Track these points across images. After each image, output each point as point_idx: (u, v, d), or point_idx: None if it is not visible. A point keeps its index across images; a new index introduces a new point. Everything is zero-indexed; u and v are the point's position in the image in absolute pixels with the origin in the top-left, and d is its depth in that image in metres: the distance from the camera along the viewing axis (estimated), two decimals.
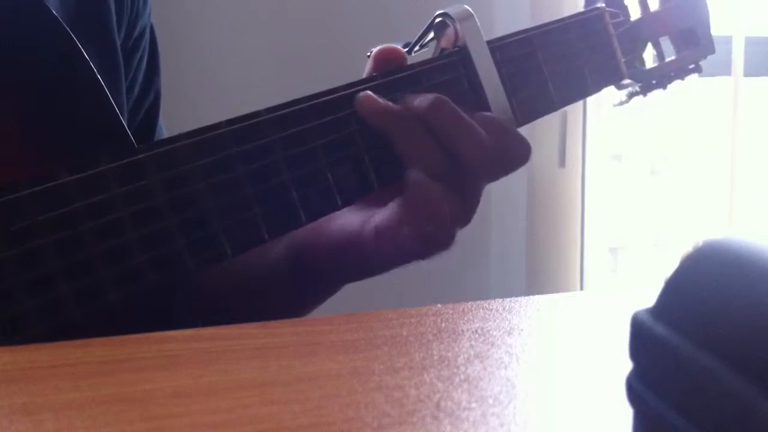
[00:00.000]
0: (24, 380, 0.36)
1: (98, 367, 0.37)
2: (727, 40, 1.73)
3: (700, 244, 0.25)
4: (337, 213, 0.61)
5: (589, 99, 1.67)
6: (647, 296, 0.26)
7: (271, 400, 0.33)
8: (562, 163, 1.70)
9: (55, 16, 0.54)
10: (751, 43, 1.75)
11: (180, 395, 0.34)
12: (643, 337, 0.25)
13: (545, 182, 1.69)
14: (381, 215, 0.58)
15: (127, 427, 0.31)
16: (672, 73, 0.74)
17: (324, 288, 0.66)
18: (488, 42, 0.62)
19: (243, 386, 0.34)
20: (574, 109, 1.67)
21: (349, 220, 0.60)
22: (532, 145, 0.60)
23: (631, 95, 0.73)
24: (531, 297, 0.47)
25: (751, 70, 1.76)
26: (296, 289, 0.66)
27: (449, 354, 0.38)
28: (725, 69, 1.74)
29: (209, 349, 0.39)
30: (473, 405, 0.32)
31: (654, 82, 0.73)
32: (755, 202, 1.81)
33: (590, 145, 1.72)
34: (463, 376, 0.35)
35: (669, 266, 0.26)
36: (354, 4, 1.59)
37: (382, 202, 0.59)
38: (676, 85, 0.77)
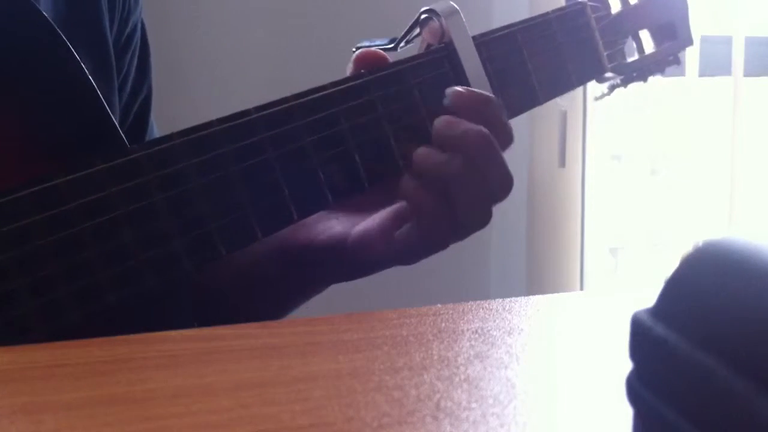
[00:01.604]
0: (24, 380, 0.36)
1: (98, 367, 0.37)
2: (727, 40, 1.73)
3: (700, 244, 0.25)
4: (328, 217, 0.62)
5: (589, 99, 1.67)
6: (647, 296, 0.26)
7: (271, 400, 0.33)
8: (562, 163, 1.70)
9: (46, 18, 0.54)
10: (751, 43, 1.75)
11: (180, 395, 0.34)
12: (643, 337, 0.25)
13: (545, 182, 1.69)
14: (365, 223, 0.60)
15: (127, 427, 0.31)
16: (652, 66, 0.74)
17: (310, 286, 0.67)
18: (473, 37, 0.62)
19: (243, 386, 0.34)
20: (574, 109, 1.68)
21: (336, 224, 0.61)
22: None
23: (612, 88, 0.73)
24: (531, 297, 0.47)
25: (751, 70, 1.76)
26: (284, 285, 0.66)
27: (449, 354, 0.38)
28: (725, 69, 1.74)
29: (209, 349, 0.39)
30: (473, 405, 0.32)
31: (634, 74, 0.74)
32: (755, 202, 1.81)
33: (590, 145, 1.72)
34: (463, 376, 0.35)
35: (669, 266, 0.26)
36: (349, 1, 1.59)
37: (370, 211, 0.60)
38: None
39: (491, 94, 0.60)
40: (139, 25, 0.74)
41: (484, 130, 0.57)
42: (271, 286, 0.67)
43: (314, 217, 0.61)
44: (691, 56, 1.68)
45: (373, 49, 0.61)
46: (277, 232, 0.59)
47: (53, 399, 0.33)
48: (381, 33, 0.65)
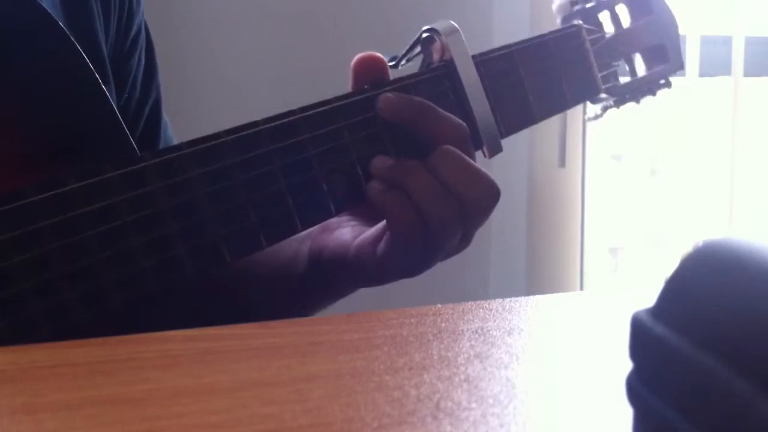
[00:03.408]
0: (24, 380, 0.36)
1: (98, 367, 0.37)
2: (727, 40, 1.73)
3: (700, 244, 0.25)
4: (345, 224, 0.62)
5: (588, 105, 1.67)
6: (647, 296, 0.26)
7: (271, 400, 0.33)
8: (562, 163, 1.70)
9: (53, 18, 0.54)
10: (751, 43, 1.75)
11: (180, 395, 0.34)
12: (643, 337, 0.25)
13: (545, 182, 1.69)
14: (365, 233, 0.60)
15: (127, 427, 0.31)
16: (645, 88, 0.76)
17: (331, 289, 0.67)
18: (472, 56, 0.63)
19: (243, 386, 0.34)
20: (574, 109, 1.67)
21: (348, 232, 0.62)
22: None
23: (605, 109, 0.75)
24: (531, 297, 0.47)
25: (751, 70, 1.76)
26: (307, 285, 0.67)
27: (449, 354, 0.38)
28: (725, 69, 1.74)
29: (209, 349, 0.39)
30: (473, 405, 0.32)
31: (627, 96, 0.75)
32: (755, 202, 1.81)
33: (590, 145, 1.72)
34: (463, 376, 0.35)
35: (669, 266, 0.26)
36: (353, 7, 1.59)
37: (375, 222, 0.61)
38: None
39: (428, 103, 0.60)
40: (143, 27, 0.74)
41: (454, 150, 0.57)
42: (296, 286, 0.67)
43: (334, 220, 0.62)
44: (691, 56, 1.68)
45: (371, 53, 0.62)
46: (308, 232, 0.60)
47: (53, 399, 0.33)
48: (384, 43, 0.65)
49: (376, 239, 0.59)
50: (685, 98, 1.72)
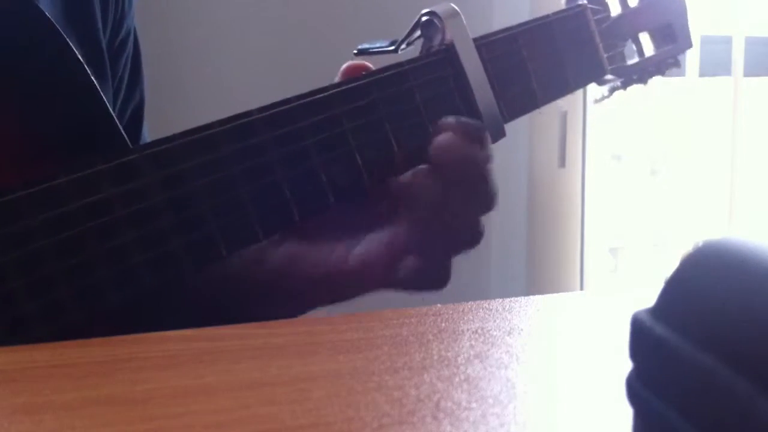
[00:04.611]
0: (24, 380, 0.36)
1: (98, 367, 0.37)
2: (727, 40, 1.73)
3: (700, 244, 0.25)
4: (316, 243, 0.60)
5: (589, 99, 1.67)
6: (647, 296, 0.26)
7: (271, 400, 0.33)
8: (562, 163, 1.70)
9: (49, 18, 0.54)
10: (751, 43, 1.75)
11: (180, 395, 0.34)
12: (643, 337, 0.25)
13: (545, 182, 1.69)
14: (365, 246, 0.58)
15: (127, 427, 0.31)
16: (652, 68, 0.75)
17: (297, 310, 0.65)
18: (473, 39, 0.62)
19: (243, 386, 0.34)
20: (574, 109, 1.68)
21: (329, 249, 0.59)
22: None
23: (612, 90, 0.74)
24: (531, 297, 0.47)
25: (751, 70, 1.77)
26: (273, 307, 0.64)
27: (449, 354, 0.38)
28: (725, 69, 1.74)
29: (209, 349, 0.39)
30: (473, 405, 0.32)
31: (634, 77, 0.74)
32: (755, 202, 1.81)
33: (590, 145, 1.72)
34: (463, 376, 0.35)
35: (669, 266, 0.26)
36: (353, 2, 1.59)
37: (358, 232, 0.59)
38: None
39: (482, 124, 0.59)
40: (132, 31, 0.74)
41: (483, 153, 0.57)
42: (262, 305, 0.65)
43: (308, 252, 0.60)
44: (691, 56, 1.68)
45: (358, 62, 0.61)
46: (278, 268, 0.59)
47: (53, 399, 0.33)
48: (382, 34, 0.65)
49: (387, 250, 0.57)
50: (685, 98, 1.72)
